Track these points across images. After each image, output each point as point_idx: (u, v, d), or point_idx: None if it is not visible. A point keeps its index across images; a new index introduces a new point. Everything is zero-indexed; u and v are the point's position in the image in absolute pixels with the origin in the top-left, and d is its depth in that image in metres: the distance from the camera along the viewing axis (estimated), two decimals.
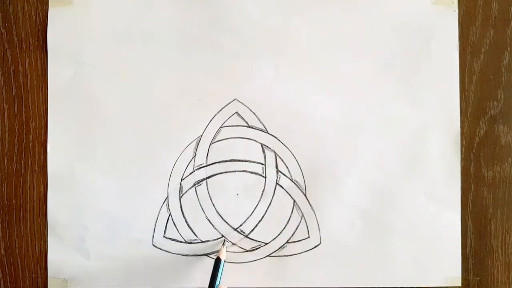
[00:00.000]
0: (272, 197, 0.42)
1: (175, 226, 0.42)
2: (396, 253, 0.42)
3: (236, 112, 0.43)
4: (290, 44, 0.43)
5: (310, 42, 0.43)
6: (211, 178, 0.43)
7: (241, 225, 0.42)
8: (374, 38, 0.43)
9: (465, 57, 0.43)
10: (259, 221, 0.42)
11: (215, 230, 0.42)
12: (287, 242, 0.42)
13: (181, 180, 0.42)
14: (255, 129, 0.43)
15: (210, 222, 0.42)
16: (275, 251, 0.42)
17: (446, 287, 0.42)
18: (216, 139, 0.43)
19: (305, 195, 0.42)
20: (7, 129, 0.43)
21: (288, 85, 0.43)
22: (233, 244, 0.42)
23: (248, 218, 0.42)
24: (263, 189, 0.42)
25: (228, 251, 0.42)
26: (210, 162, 0.43)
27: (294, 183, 0.42)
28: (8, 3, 0.43)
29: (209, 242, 0.42)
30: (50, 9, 0.43)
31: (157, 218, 0.42)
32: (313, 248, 0.42)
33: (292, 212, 0.43)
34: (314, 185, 0.42)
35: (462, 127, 0.43)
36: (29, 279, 0.43)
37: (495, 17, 0.44)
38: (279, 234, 0.42)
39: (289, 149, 0.43)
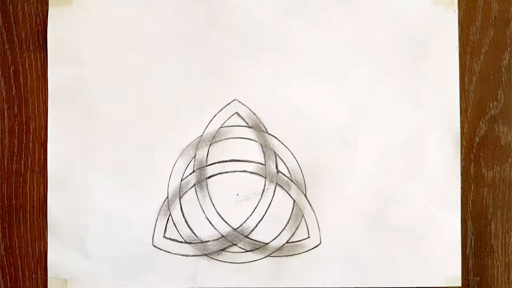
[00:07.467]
0: (272, 197, 0.42)
1: (175, 226, 0.42)
2: (396, 253, 0.42)
3: (236, 112, 0.43)
4: (290, 44, 0.43)
5: (310, 42, 0.43)
6: (211, 178, 0.43)
7: (241, 225, 0.42)
8: (374, 38, 0.43)
9: (465, 57, 0.43)
10: (259, 221, 0.42)
11: (215, 230, 0.42)
12: (287, 242, 0.42)
13: (181, 180, 0.42)
14: (255, 129, 0.43)
15: (210, 222, 0.42)
16: (275, 251, 0.42)
17: (446, 287, 0.42)
18: (216, 139, 0.43)
19: (305, 195, 0.42)
20: (7, 129, 0.43)
21: (288, 86, 0.43)
22: (233, 244, 0.42)
23: (248, 218, 0.42)
24: (263, 189, 0.42)
25: (228, 251, 0.42)
26: (210, 162, 0.43)
27: (294, 183, 0.42)
28: (8, 3, 0.43)
29: (209, 242, 0.42)
30: (50, 9, 0.43)
31: (157, 218, 0.42)
32: (313, 248, 0.42)
33: (292, 212, 0.43)
34: (314, 185, 0.42)
35: (462, 127, 0.43)
36: (29, 279, 0.42)
37: (495, 17, 0.44)
38: (279, 234, 0.42)
39: (289, 149, 0.43)
